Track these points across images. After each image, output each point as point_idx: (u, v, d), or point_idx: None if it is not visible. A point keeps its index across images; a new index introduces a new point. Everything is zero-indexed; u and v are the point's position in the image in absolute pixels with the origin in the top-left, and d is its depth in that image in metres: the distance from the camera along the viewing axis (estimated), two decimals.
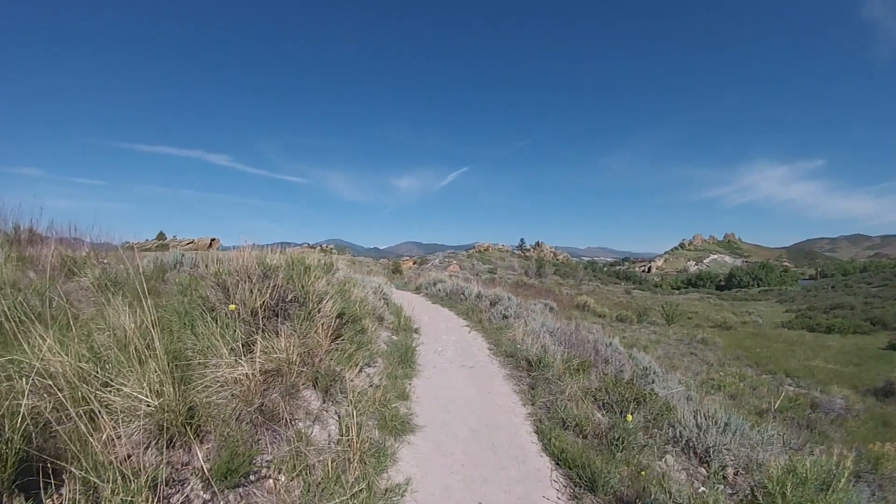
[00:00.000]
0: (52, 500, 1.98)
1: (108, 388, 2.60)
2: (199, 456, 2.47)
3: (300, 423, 3.39)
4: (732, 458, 4.52)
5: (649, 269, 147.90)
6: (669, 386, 6.88)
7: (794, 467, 3.00)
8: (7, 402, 2.11)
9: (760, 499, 3.07)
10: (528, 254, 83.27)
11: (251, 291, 3.99)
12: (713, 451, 4.52)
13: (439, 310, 12.58)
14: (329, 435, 3.48)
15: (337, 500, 2.73)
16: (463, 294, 14.25)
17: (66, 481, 2.13)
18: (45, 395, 2.47)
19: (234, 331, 3.47)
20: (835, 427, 11.49)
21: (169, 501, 2.32)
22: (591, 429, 4.54)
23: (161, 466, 2.37)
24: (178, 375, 2.85)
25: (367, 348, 5.39)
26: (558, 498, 3.55)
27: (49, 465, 2.09)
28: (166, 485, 2.36)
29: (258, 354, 3.33)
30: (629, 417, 4.30)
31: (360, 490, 2.91)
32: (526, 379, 6.23)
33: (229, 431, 2.75)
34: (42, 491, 2.01)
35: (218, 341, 3.20)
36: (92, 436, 2.22)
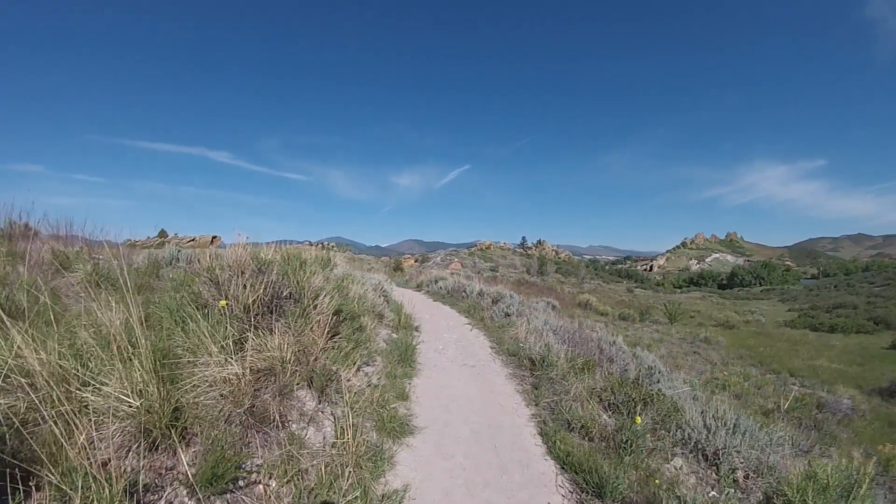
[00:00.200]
0: None
1: (88, 388, 2.45)
2: (184, 460, 2.31)
3: (294, 425, 3.23)
4: (742, 461, 4.36)
5: (651, 267, 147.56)
6: (675, 385, 6.72)
7: (815, 473, 2.84)
8: None
9: None
10: (529, 252, 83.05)
11: (244, 287, 3.84)
12: (723, 454, 4.37)
13: (440, 307, 12.42)
14: (324, 437, 3.32)
15: None
16: (464, 292, 14.08)
17: (39, 488, 1.98)
18: (20, 394, 2.32)
19: (226, 328, 3.32)
20: (842, 427, 11.33)
21: None
22: (598, 431, 4.38)
23: (141, 471, 2.23)
24: (165, 375, 2.70)
25: (366, 346, 5.24)
26: None
27: (19, 470, 1.94)
28: (147, 491, 2.21)
29: (249, 353, 3.17)
30: (638, 420, 4.14)
31: (356, 497, 2.75)
32: (529, 378, 6.07)
33: (217, 434, 2.60)
34: (10, 497, 1.86)
35: (207, 339, 3.04)
36: (66, 438, 2.06)
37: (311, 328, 4.11)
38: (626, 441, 4.03)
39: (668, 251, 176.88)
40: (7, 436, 2.13)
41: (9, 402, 2.29)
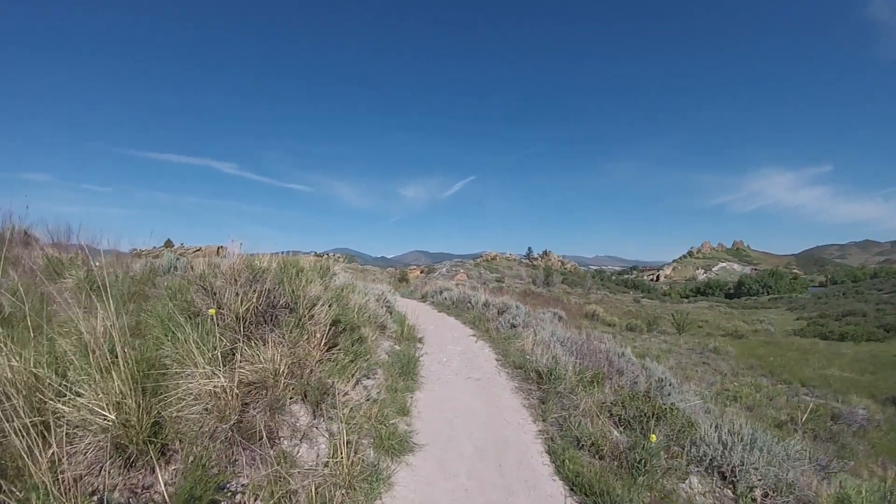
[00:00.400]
0: None
1: (63, 399, 2.28)
2: (161, 479, 2.13)
3: (285, 442, 3.04)
4: (760, 478, 4.10)
5: (658, 277, 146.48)
6: (686, 398, 6.45)
7: (848, 496, 2.60)
8: None
9: None
10: (535, 263, 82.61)
11: (237, 295, 3.67)
12: (739, 471, 4.13)
13: (445, 318, 12.20)
14: (318, 455, 3.12)
15: None
16: (470, 302, 13.86)
17: None
18: None
19: (216, 337, 3.14)
20: (857, 439, 10.94)
21: None
22: (609, 448, 4.14)
23: (115, 490, 2.05)
24: (148, 386, 2.53)
25: (366, 358, 5.03)
26: None
27: None
28: None
29: (239, 364, 2.99)
30: (652, 438, 3.89)
31: None
32: (536, 392, 5.83)
33: (199, 451, 2.41)
34: None
35: (194, 349, 2.87)
36: (28, 453, 1.89)
37: (307, 339, 3.93)
38: (640, 460, 3.79)
39: (674, 261, 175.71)
40: None
41: None
